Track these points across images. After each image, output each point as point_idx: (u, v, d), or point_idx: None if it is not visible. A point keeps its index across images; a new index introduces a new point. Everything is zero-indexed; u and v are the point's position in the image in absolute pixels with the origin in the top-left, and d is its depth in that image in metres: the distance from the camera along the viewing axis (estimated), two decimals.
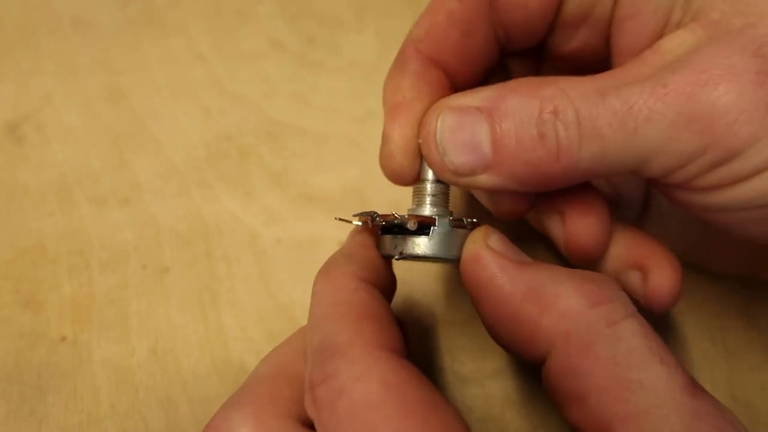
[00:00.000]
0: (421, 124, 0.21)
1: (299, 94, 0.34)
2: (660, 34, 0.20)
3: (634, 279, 0.22)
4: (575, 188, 0.22)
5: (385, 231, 0.22)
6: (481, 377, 0.26)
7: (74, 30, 0.36)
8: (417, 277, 0.28)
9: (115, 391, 0.25)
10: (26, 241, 0.29)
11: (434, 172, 0.21)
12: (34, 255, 0.29)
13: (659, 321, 0.27)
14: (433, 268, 0.29)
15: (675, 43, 0.19)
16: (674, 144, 0.18)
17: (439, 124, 0.20)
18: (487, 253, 0.20)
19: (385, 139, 0.22)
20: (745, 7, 0.18)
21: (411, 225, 0.21)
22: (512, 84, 0.20)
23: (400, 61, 0.22)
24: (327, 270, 0.20)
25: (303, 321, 0.27)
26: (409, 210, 0.22)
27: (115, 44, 0.36)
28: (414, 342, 0.27)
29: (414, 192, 0.22)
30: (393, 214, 0.21)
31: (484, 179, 0.20)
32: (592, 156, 0.19)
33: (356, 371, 0.17)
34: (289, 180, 0.31)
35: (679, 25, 0.20)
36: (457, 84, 0.22)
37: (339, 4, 0.37)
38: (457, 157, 0.20)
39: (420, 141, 0.21)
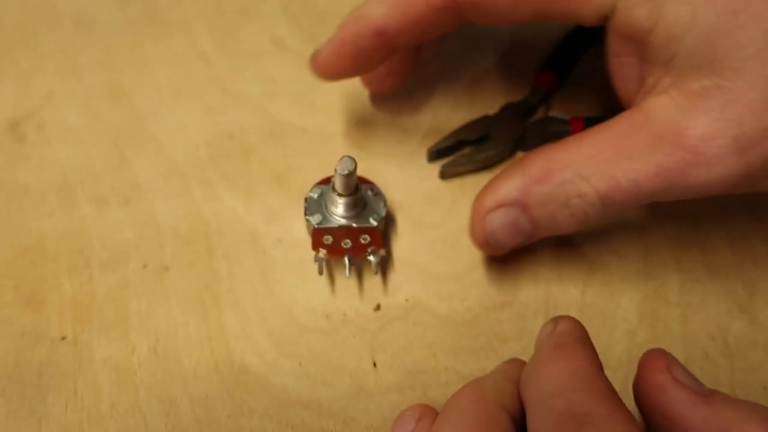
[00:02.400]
0: (471, 229, 0.26)
1: (301, 93, 0.34)
2: (643, 79, 0.24)
3: None
4: None
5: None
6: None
7: (75, 29, 0.36)
8: (419, 275, 0.28)
9: (116, 390, 0.25)
10: (27, 240, 0.29)
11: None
12: (35, 254, 0.28)
13: (660, 321, 0.27)
14: (436, 267, 0.28)
15: (662, 110, 0.22)
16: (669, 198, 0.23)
17: (487, 228, 0.25)
18: (674, 385, 0.21)
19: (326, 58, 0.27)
20: (725, 83, 0.21)
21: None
22: (530, 169, 0.24)
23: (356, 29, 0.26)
24: (562, 347, 0.21)
25: (303, 320, 0.27)
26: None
27: (117, 43, 0.36)
28: (417, 340, 0.27)
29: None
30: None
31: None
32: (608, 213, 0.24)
33: None
34: (291, 179, 0.31)
35: (658, 81, 0.23)
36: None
37: (340, 2, 0.37)
38: (507, 242, 0.25)
39: (472, 239, 0.26)
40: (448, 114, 0.33)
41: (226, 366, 0.26)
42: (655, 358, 0.22)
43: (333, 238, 0.27)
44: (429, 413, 0.22)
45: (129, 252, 0.29)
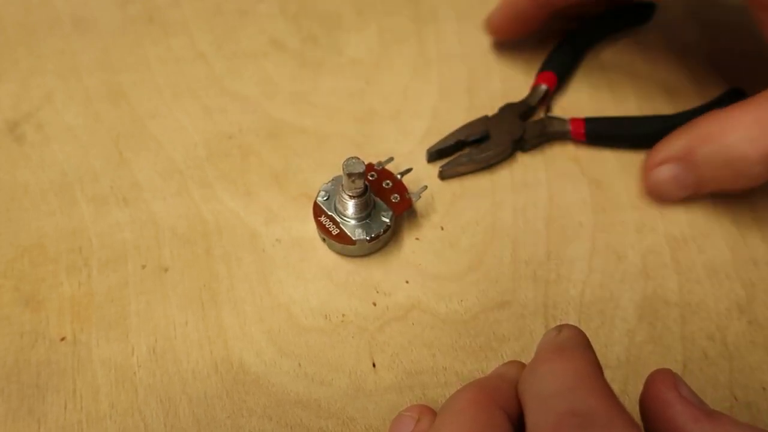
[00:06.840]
0: (642, 180, 0.30)
1: (300, 93, 0.34)
2: None
3: None
4: None
5: None
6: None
7: (74, 29, 0.36)
8: (419, 275, 0.28)
9: (115, 390, 0.25)
10: (26, 240, 0.29)
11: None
12: (34, 254, 0.28)
13: (659, 321, 0.27)
14: (436, 267, 0.28)
15: None
16: None
17: (653, 180, 0.29)
18: (680, 401, 0.21)
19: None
20: None
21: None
22: (698, 130, 0.27)
23: None
24: (563, 350, 0.21)
25: (302, 320, 0.27)
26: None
27: (116, 43, 0.36)
28: (416, 340, 0.27)
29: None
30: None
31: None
32: None
33: None
34: (290, 179, 0.31)
35: None
36: None
37: (339, 2, 0.37)
38: (672, 194, 0.29)
39: (646, 190, 0.30)
40: (447, 114, 0.33)
41: (225, 366, 0.26)
42: (662, 376, 0.22)
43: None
44: (427, 413, 0.22)
45: (128, 252, 0.29)
